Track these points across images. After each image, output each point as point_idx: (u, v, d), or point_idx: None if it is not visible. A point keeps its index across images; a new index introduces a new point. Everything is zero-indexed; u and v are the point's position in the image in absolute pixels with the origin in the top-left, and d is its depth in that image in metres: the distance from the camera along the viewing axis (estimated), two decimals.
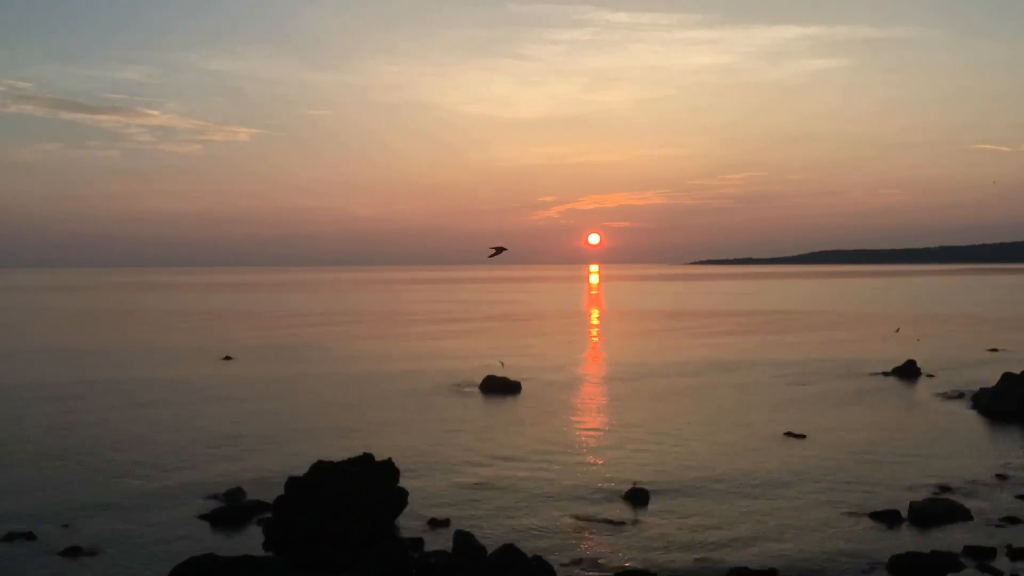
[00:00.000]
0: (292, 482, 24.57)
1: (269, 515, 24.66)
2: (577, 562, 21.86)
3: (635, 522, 25.18)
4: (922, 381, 54.48)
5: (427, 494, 27.81)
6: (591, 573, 21.16)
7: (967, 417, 42.14)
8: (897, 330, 37.82)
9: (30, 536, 23.83)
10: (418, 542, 23.21)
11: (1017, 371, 44.48)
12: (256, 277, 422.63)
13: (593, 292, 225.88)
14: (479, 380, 52.41)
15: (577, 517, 25.65)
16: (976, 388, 47.18)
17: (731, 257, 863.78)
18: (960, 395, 47.77)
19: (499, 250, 29.58)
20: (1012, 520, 25.15)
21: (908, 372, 56.66)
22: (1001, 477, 30.19)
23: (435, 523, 25.08)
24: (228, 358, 68.76)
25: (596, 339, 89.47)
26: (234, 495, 27.84)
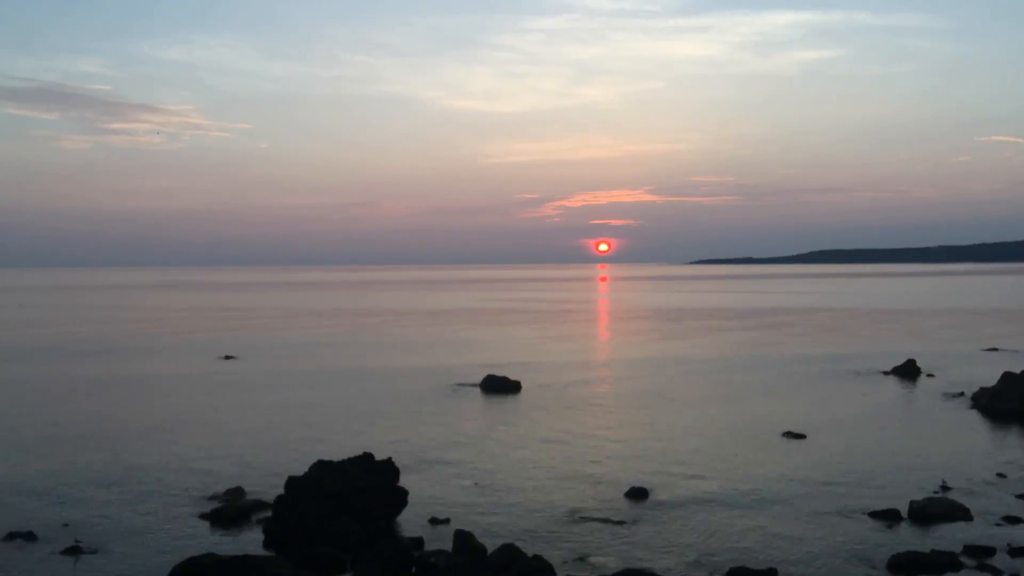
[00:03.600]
0: (292, 481, 24.58)
1: (269, 514, 24.67)
2: (577, 562, 21.85)
3: (635, 522, 25.17)
4: (922, 381, 54.48)
5: (427, 493, 27.81)
6: (591, 573, 21.14)
7: (967, 417, 42.13)
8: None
9: (30, 536, 23.82)
10: (418, 541, 23.21)
11: (1017, 370, 44.50)
12: (238, 276, 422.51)
13: (604, 296, 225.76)
14: (479, 379, 52.41)
15: (577, 517, 25.63)
16: (976, 387, 47.18)
17: (730, 256, 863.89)
18: (960, 394, 47.77)
19: None
20: (1012, 519, 25.15)
21: (908, 371, 56.67)
22: (1001, 476, 30.19)
23: (435, 522, 25.08)
24: (229, 357, 68.76)
25: (596, 338, 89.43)
26: (234, 494, 27.84)
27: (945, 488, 28.47)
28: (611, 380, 56.15)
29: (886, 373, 57.26)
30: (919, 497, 26.80)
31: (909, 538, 23.67)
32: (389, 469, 25.84)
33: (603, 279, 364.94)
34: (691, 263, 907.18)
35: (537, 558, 20.33)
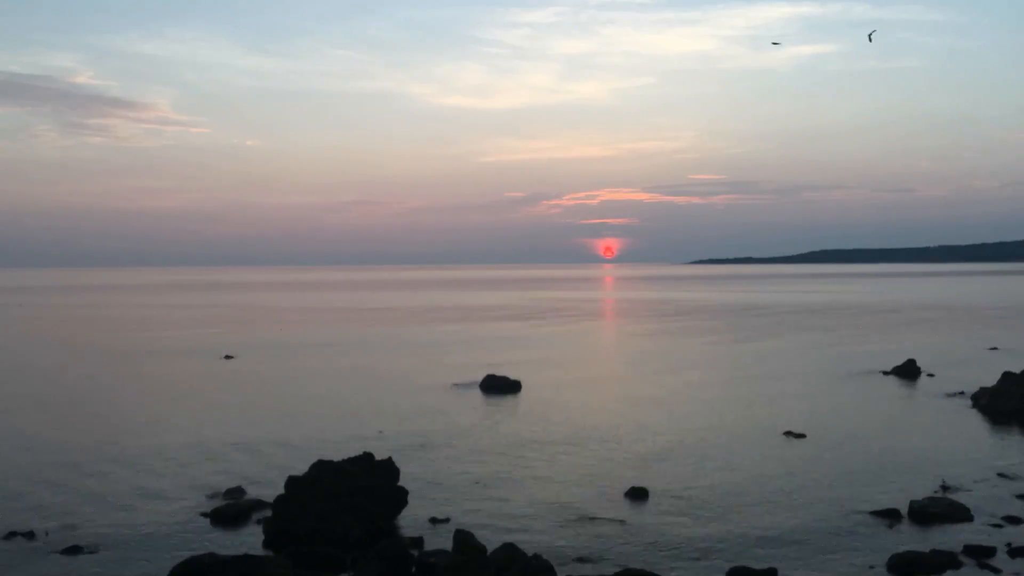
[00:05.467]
0: (292, 481, 24.59)
1: (269, 514, 24.68)
2: (577, 561, 21.85)
3: (635, 522, 25.17)
4: (922, 380, 54.47)
5: (427, 493, 27.81)
6: (591, 573, 21.14)
7: (967, 416, 42.13)
8: None
9: (30, 535, 23.83)
10: (418, 541, 23.22)
11: (1017, 370, 44.49)
12: (228, 277, 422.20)
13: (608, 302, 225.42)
14: (479, 379, 52.40)
15: (577, 517, 25.64)
16: (976, 387, 47.17)
17: (730, 256, 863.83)
18: (960, 394, 47.77)
19: None
20: (1012, 519, 25.15)
21: (908, 371, 56.65)
22: (1001, 476, 30.19)
23: (435, 522, 25.09)
24: (229, 357, 68.76)
25: (596, 338, 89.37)
26: (234, 494, 27.85)
27: (945, 488, 28.46)
28: (611, 380, 56.13)
29: (886, 373, 57.25)
30: (919, 497, 26.80)
31: (909, 538, 23.67)
32: (389, 469, 25.84)
33: (607, 279, 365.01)
34: (690, 263, 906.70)
35: (537, 558, 20.33)
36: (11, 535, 23.82)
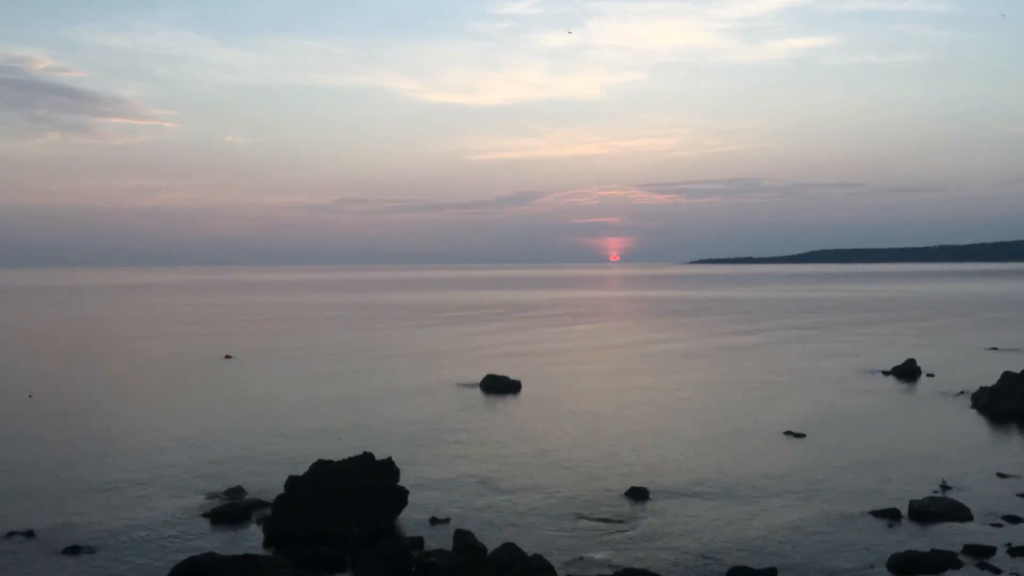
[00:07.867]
0: (292, 481, 24.60)
1: (269, 514, 24.68)
2: (577, 561, 21.85)
3: (635, 522, 25.17)
4: (922, 380, 54.48)
5: (427, 493, 27.81)
6: (591, 573, 21.14)
7: (967, 416, 42.14)
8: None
9: (30, 534, 23.82)
10: (418, 541, 23.22)
11: (1017, 370, 44.49)
12: (221, 276, 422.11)
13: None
14: (479, 379, 52.41)
15: (577, 517, 25.65)
16: (976, 387, 47.18)
17: (729, 256, 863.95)
18: (960, 394, 47.78)
19: None
20: (1012, 519, 25.15)
21: (908, 371, 56.66)
22: (1001, 476, 30.19)
23: (435, 522, 25.09)
24: (228, 357, 68.74)
25: (596, 337, 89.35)
26: (234, 494, 27.84)
27: (945, 488, 28.47)
28: (611, 379, 56.11)
29: (886, 373, 57.26)
30: (919, 497, 26.81)
31: (909, 538, 23.67)
32: (389, 469, 25.85)
33: (604, 280, 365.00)
34: (687, 263, 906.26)
35: (537, 558, 20.32)
36: (11, 535, 23.82)
